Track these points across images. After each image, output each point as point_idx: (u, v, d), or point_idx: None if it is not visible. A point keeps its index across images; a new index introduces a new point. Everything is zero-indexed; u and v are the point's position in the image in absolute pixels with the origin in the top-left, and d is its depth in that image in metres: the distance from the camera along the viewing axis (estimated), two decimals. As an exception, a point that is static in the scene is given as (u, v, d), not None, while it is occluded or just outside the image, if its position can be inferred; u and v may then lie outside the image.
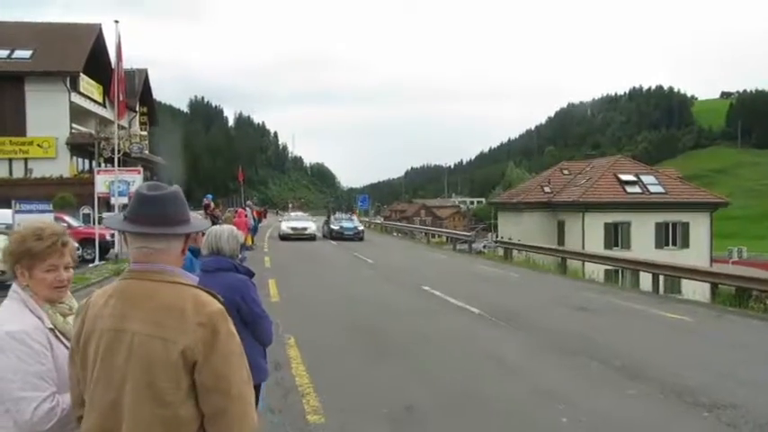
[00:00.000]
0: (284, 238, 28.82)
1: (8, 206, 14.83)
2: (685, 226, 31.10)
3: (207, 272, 3.37)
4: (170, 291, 1.73)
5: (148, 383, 1.66)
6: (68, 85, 27.63)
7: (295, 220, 32.04)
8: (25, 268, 1.97)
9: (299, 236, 28.82)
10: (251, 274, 3.53)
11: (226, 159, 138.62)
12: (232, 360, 1.72)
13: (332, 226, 31.26)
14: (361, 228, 31.58)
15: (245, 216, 19.61)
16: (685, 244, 30.71)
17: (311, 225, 30.71)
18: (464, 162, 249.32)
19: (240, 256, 3.60)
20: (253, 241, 23.42)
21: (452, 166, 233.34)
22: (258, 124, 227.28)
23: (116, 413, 1.68)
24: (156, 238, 1.76)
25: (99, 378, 1.71)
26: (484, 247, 29.98)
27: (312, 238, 29.33)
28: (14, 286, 1.99)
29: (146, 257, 1.77)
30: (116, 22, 16.83)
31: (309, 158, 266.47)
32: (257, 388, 3.24)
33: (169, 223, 1.78)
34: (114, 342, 1.69)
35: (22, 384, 1.83)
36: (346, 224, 31.21)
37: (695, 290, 15.08)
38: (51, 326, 1.95)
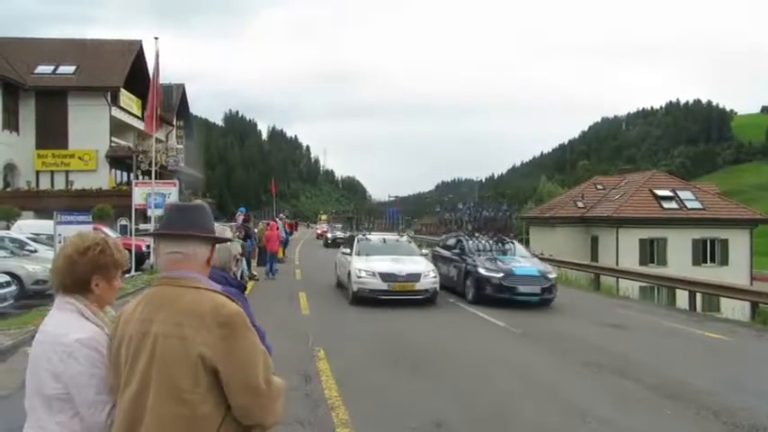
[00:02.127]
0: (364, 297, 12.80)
1: (50, 217, 15.31)
2: (724, 243, 30.27)
3: None
4: (191, 295, 1.83)
5: (169, 382, 1.74)
6: (109, 99, 28.51)
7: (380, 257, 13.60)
8: (104, 278, 2.07)
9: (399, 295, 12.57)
10: (242, 288, 3.52)
11: (259, 172, 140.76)
12: (253, 356, 1.81)
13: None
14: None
15: (278, 229, 19.79)
16: (724, 261, 29.87)
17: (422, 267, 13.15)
18: (495, 176, 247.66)
19: (236, 269, 3.52)
20: (284, 254, 23.63)
21: (483, 180, 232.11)
22: (291, 138, 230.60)
23: (138, 413, 1.76)
24: (184, 243, 1.91)
25: (128, 380, 1.81)
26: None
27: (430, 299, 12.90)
28: (66, 297, 2.05)
29: (173, 264, 1.90)
30: (155, 38, 17.33)
31: (341, 172, 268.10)
32: None
33: (199, 230, 1.95)
34: (140, 345, 1.80)
35: (97, 389, 1.92)
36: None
37: (734, 308, 14.66)
38: (109, 333, 2.03)
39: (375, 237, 15.30)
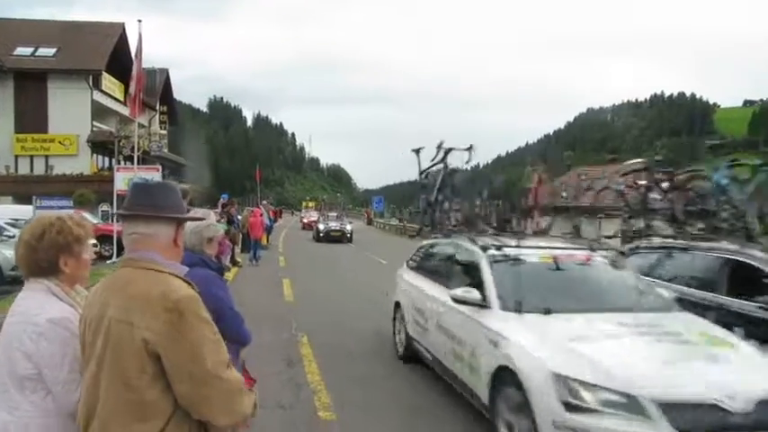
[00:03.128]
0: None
1: (29, 202, 15.09)
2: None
3: None
4: (146, 277, 1.78)
5: (119, 367, 1.71)
6: (91, 83, 28.02)
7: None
8: (71, 256, 2.04)
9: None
10: (221, 271, 3.47)
11: (243, 159, 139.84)
12: (203, 345, 1.72)
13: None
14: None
15: (261, 215, 19.70)
16: (706, 251, 30.22)
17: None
18: (481, 165, 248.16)
19: (212, 252, 3.44)
20: (268, 240, 23.55)
21: (469, 170, 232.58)
22: (276, 125, 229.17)
23: (95, 395, 1.75)
24: (145, 223, 1.85)
25: (87, 362, 1.80)
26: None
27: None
28: (36, 279, 2.03)
29: (134, 245, 1.86)
30: (139, 21, 17.04)
31: (326, 159, 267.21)
32: None
33: (158, 209, 1.87)
34: (98, 328, 1.77)
35: (70, 367, 1.92)
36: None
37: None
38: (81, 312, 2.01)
39: (529, 250, 5.47)
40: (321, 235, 29.21)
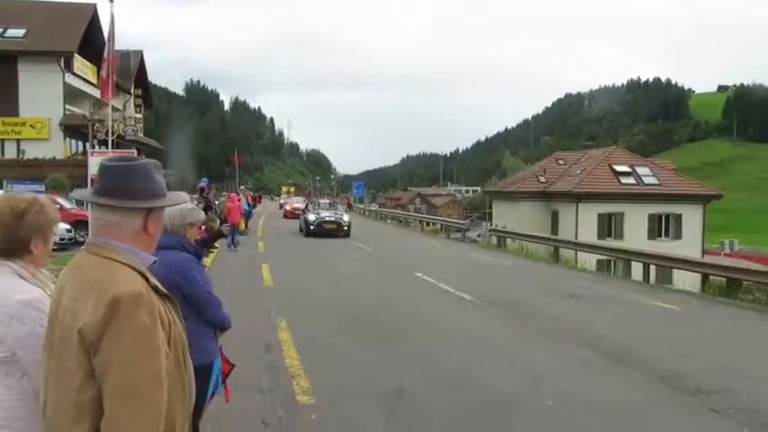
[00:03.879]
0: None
1: (0, 186, 14.78)
2: (678, 218, 31.25)
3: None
4: (98, 266, 1.65)
5: (60, 359, 1.61)
6: (62, 65, 27.38)
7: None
8: (42, 239, 1.99)
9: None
10: (199, 255, 3.44)
11: (221, 144, 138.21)
12: (123, 351, 1.53)
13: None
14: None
15: (239, 200, 19.56)
16: (678, 235, 30.88)
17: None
18: (460, 151, 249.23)
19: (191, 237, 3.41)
20: (247, 226, 23.40)
21: (448, 155, 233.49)
22: (254, 109, 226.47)
23: (44, 389, 1.67)
24: (109, 210, 1.70)
25: (45, 346, 1.71)
26: (478, 235, 30.00)
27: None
28: (1, 260, 1.96)
29: (97, 230, 1.74)
30: (111, 1, 16.64)
31: (305, 145, 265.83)
32: (207, 368, 3.17)
33: (124, 196, 1.69)
34: (55, 314, 1.68)
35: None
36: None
37: (686, 280, 15.19)
38: (50, 293, 1.98)
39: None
40: (312, 228, 22.86)
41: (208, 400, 3.24)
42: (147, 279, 1.66)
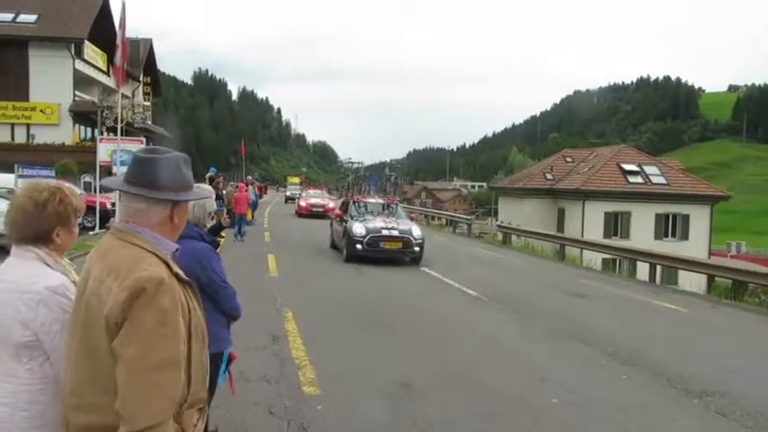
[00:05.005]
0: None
1: (10, 171, 14.85)
2: (685, 218, 31.10)
3: None
4: (124, 251, 1.71)
5: (87, 340, 1.66)
6: (73, 51, 27.41)
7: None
8: (65, 228, 2.02)
9: None
10: (215, 245, 3.50)
11: (228, 134, 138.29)
12: (143, 333, 1.58)
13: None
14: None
15: (246, 191, 19.60)
16: (684, 236, 30.75)
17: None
18: (467, 146, 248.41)
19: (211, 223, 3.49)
20: (253, 216, 23.45)
21: (455, 150, 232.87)
22: (262, 99, 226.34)
23: (67, 367, 1.73)
24: (136, 199, 1.78)
25: (70, 328, 1.77)
26: (480, 234, 29.91)
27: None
28: (25, 246, 1.99)
29: (125, 216, 1.81)
30: (122, -11, 16.63)
31: (312, 136, 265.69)
32: (219, 356, 3.26)
33: (153, 188, 1.76)
34: (80, 296, 1.75)
35: None
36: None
37: (692, 281, 15.16)
38: (74, 279, 2.01)
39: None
40: (361, 247, 13.55)
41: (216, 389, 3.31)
42: (169, 266, 1.72)
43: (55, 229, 2.00)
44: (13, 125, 27.23)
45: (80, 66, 28.23)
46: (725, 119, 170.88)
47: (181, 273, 1.75)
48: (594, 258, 19.15)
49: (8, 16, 27.23)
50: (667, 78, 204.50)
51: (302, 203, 29.91)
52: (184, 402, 1.69)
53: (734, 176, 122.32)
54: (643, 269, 16.23)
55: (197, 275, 3.15)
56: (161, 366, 1.59)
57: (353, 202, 15.92)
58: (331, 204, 19.76)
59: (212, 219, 3.50)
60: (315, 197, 31.00)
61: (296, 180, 65.18)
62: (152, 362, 1.57)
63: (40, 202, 1.97)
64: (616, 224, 30.74)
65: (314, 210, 27.76)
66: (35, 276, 1.94)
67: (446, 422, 4.71)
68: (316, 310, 8.60)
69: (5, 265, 2.02)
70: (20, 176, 10.96)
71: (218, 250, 3.50)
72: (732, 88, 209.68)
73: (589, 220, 30.22)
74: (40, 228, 1.98)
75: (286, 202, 45.27)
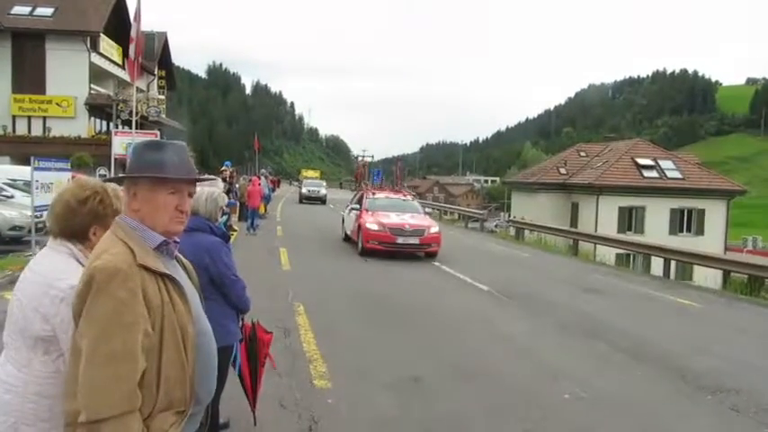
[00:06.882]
0: None
1: (27, 163, 14.99)
2: (701, 213, 30.76)
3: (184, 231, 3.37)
4: (101, 242, 1.74)
5: (73, 335, 1.68)
6: (88, 45, 27.64)
7: None
8: (102, 227, 2.01)
9: None
10: (226, 238, 3.51)
11: (242, 127, 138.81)
12: (95, 323, 1.56)
13: None
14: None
15: (260, 184, 19.65)
16: (700, 231, 30.42)
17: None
18: (480, 140, 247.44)
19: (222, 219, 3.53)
20: (266, 210, 23.54)
21: (468, 144, 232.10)
22: (275, 93, 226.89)
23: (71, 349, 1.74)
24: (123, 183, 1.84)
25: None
26: (496, 226, 29.82)
27: None
28: (61, 240, 2.04)
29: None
30: (137, -18, 16.68)
31: (325, 130, 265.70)
32: (229, 350, 3.31)
33: (126, 171, 1.84)
34: None
35: None
36: None
37: (707, 277, 15.01)
38: None
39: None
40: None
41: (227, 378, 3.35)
42: (135, 255, 1.65)
43: (92, 227, 2.04)
44: (29, 118, 27.55)
45: (96, 59, 28.45)
46: (742, 112, 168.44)
47: (156, 264, 1.68)
48: (608, 253, 19.01)
49: (26, 9, 27.50)
50: (684, 71, 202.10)
51: (369, 225, 13.86)
52: (154, 406, 1.61)
53: (751, 171, 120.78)
54: (657, 264, 16.09)
55: (207, 268, 3.18)
56: (113, 358, 1.54)
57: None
58: (435, 228, 14.14)
59: (223, 213, 3.51)
60: (398, 208, 15.06)
61: (314, 174, 54.99)
62: (103, 353, 1.54)
63: (81, 199, 2.03)
64: (630, 219, 30.47)
65: (405, 243, 13.63)
66: (64, 272, 1.96)
67: (456, 416, 4.71)
68: (327, 304, 8.62)
69: (40, 256, 2.08)
70: (36, 169, 11.05)
71: (229, 243, 3.51)
72: (750, 81, 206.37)
73: (603, 215, 29.98)
74: (77, 224, 2.03)
75: (301, 201, 36.52)
